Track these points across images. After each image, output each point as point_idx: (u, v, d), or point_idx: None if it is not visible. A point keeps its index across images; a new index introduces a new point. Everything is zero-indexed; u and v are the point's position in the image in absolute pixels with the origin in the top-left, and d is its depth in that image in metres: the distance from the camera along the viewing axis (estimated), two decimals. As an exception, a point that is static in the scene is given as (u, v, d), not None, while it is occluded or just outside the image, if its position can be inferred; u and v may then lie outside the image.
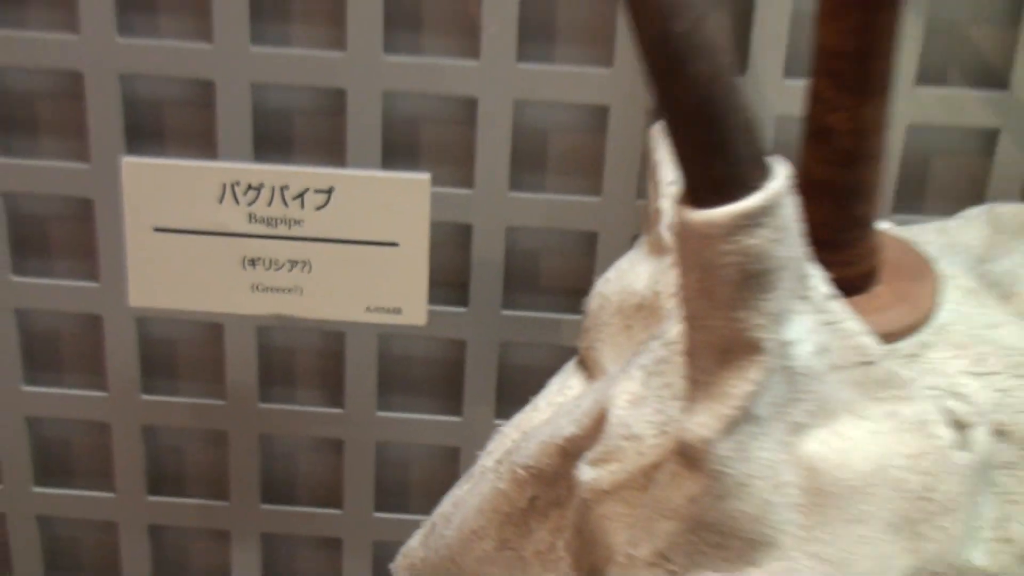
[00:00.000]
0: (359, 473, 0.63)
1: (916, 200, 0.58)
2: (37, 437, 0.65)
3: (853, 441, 0.33)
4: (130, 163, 0.52)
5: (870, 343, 0.34)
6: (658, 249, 0.44)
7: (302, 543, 0.68)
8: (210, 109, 0.57)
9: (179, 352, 0.64)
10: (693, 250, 0.31)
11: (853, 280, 0.38)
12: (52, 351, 0.64)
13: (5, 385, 0.62)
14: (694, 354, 0.32)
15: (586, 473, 0.37)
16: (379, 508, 0.64)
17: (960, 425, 0.34)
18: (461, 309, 0.60)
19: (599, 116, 0.56)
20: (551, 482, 0.40)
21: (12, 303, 0.61)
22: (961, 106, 0.55)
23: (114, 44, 0.55)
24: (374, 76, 0.56)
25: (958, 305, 0.39)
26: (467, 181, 0.58)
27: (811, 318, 0.33)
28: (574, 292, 0.57)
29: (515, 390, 0.58)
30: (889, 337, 0.37)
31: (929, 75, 0.55)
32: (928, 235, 0.44)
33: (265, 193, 0.52)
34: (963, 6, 0.55)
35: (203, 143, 0.59)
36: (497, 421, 0.60)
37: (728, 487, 0.33)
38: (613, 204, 0.57)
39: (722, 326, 0.31)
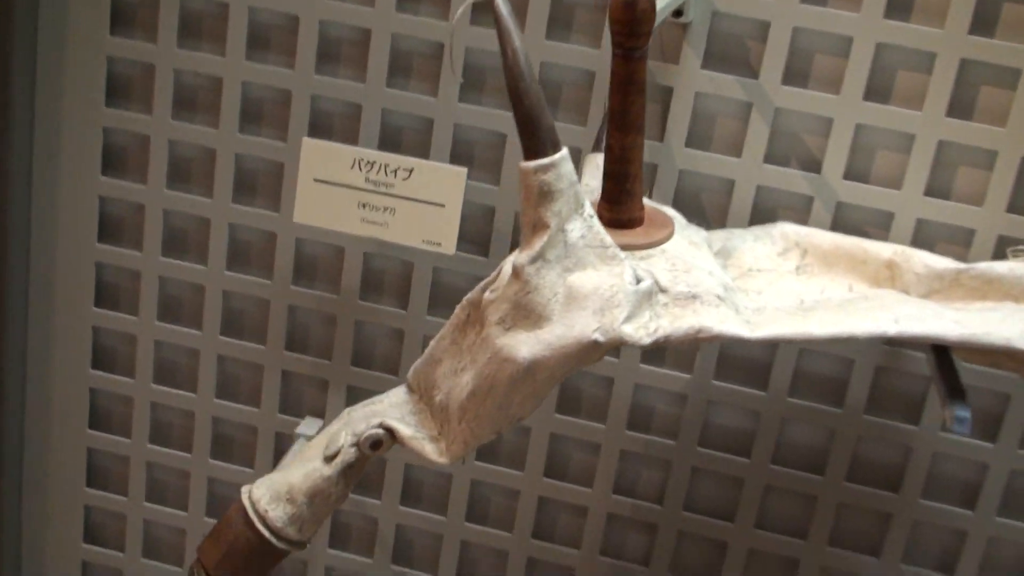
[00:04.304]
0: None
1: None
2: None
3: (590, 277, 0.75)
4: (307, 142, 0.98)
5: (607, 238, 0.76)
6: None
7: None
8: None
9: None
10: (522, 180, 0.74)
11: (624, 220, 0.80)
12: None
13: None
14: (523, 227, 0.75)
15: (487, 294, 0.80)
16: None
17: (638, 279, 0.75)
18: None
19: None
20: (476, 305, 0.83)
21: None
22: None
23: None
24: None
25: (678, 245, 0.80)
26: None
27: (581, 222, 0.75)
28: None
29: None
30: (634, 247, 0.78)
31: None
32: (715, 233, 0.86)
33: (376, 167, 0.98)
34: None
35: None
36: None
37: (529, 288, 0.75)
38: None
39: (531, 214, 0.74)
